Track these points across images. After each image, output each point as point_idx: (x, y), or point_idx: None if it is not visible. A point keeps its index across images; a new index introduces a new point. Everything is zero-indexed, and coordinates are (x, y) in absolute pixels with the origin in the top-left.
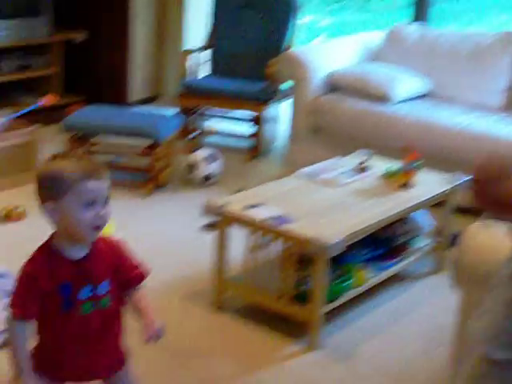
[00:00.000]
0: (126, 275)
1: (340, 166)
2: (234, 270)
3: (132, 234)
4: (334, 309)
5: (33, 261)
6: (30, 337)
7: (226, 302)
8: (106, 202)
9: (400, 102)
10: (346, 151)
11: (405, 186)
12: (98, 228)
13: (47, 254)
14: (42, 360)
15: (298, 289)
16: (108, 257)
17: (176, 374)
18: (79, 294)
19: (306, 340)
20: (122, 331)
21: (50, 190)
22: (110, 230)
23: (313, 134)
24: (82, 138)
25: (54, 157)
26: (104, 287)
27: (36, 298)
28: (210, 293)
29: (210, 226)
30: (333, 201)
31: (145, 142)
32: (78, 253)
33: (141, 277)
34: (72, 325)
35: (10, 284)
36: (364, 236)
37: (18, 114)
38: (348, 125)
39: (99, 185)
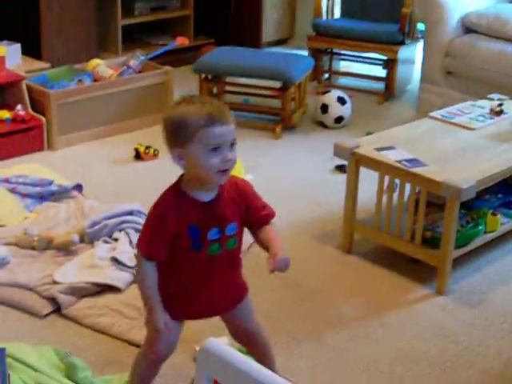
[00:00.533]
0: (255, 215)
1: (474, 109)
2: (364, 213)
3: (263, 175)
4: (463, 254)
5: (162, 202)
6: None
7: (355, 244)
8: (232, 145)
9: None
10: (479, 94)
11: None
12: (226, 172)
13: (176, 195)
14: (165, 300)
15: (428, 233)
16: (235, 199)
17: (300, 312)
18: (208, 236)
19: (435, 285)
20: (241, 263)
21: (176, 136)
22: (240, 172)
23: (446, 76)
24: (213, 80)
25: (181, 100)
26: (232, 229)
27: (164, 239)
28: (339, 234)
29: (341, 168)
30: (466, 145)
31: (276, 84)
32: (206, 196)
33: (269, 216)
34: (200, 264)
35: (141, 221)
36: (497, 181)
37: (154, 54)
38: (483, 67)
39: (224, 129)
